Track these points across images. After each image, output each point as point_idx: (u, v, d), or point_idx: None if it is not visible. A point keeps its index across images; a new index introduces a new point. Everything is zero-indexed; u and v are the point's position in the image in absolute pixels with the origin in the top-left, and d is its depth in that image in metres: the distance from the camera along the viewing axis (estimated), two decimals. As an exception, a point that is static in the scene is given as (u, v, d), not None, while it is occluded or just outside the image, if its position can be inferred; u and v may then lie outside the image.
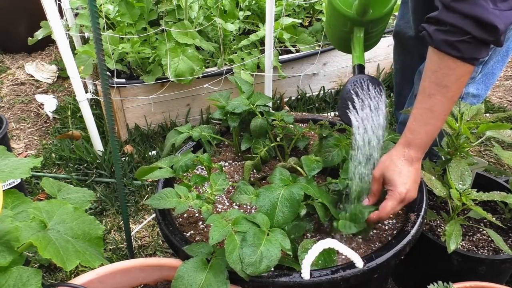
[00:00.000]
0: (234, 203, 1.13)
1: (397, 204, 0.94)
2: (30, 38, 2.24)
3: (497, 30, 0.80)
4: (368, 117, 0.99)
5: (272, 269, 0.88)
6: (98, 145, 1.87)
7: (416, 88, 1.39)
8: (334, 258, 0.93)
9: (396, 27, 1.59)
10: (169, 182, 1.15)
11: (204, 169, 1.21)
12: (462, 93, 1.27)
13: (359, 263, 0.87)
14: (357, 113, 1.00)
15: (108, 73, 1.83)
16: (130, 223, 1.61)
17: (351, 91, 1.05)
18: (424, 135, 0.94)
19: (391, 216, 1.07)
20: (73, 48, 2.07)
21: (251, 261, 0.80)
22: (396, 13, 1.65)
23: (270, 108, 1.28)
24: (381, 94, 1.02)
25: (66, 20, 2.25)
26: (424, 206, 1.05)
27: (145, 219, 1.62)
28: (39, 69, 2.77)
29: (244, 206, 1.12)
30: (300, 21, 2.23)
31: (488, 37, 0.82)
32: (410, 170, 0.95)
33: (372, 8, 1.11)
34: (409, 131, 0.95)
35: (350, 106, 1.01)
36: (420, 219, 1.00)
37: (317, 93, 2.33)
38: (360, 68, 1.15)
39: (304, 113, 1.46)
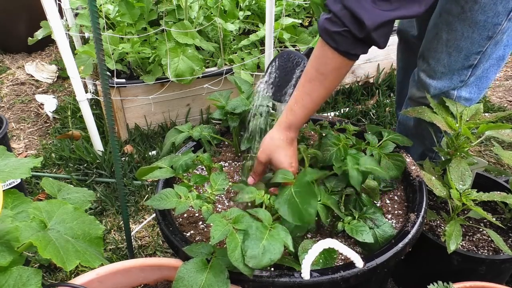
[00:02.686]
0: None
1: (260, 166, 1.04)
2: (30, 38, 2.24)
3: (365, 26, 0.81)
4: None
5: (272, 269, 0.88)
6: (98, 145, 1.87)
7: (410, 91, 1.39)
8: (335, 256, 0.93)
9: (400, 24, 1.60)
10: (169, 182, 1.15)
11: (204, 169, 1.21)
12: (454, 96, 1.27)
13: (359, 263, 0.87)
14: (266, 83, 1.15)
15: (108, 73, 1.83)
16: (130, 223, 1.61)
17: (273, 63, 1.16)
18: (303, 118, 1.00)
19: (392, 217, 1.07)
20: (73, 48, 2.07)
21: (253, 254, 0.80)
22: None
23: (270, 108, 1.28)
24: (298, 63, 1.12)
25: (66, 20, 2.25)
26: (424, 206, 1.05)
27: (145, 219, 1.62)
28: (39, 69, 2.77)
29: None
30: (300, 21, 2.23)
31: (357, 32, 0.84)
32: (292, 150, 1.02)
33: None
34: (291, 112, 1.00)
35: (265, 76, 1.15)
36: (420, 219, 1.00)
37: (317, 93, 2.33)
38: (309, 52, 1.17)
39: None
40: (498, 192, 1.09)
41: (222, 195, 1.16)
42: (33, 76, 2.73)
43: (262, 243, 0.82)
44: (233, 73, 1.96)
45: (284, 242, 0.84)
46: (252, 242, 0.82)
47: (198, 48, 1.99)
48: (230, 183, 1.19)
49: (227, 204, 1.14)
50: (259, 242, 0.82)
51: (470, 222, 1.25)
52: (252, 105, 1.21)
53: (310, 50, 1.15)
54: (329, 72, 0.92)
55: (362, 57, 2.48)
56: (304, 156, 1.12)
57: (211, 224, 0.86)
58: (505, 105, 2.37)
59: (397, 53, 1.70)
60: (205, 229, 1.07)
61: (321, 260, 0.92)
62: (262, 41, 2.04)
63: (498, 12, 1.07)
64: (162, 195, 0.94)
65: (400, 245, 0.93)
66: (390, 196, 1.17)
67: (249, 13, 2.26)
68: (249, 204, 1.09)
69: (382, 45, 0.88)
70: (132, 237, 1.43)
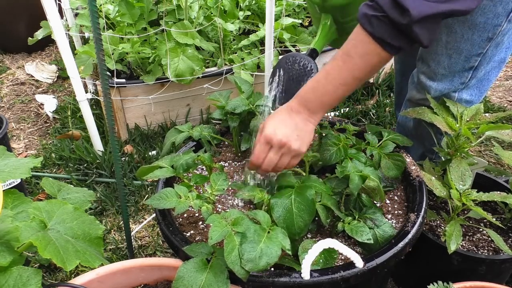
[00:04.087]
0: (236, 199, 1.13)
1: (264, 146, 0.92)
2: (30, 38, 2.24)
3: (409, 14, 0.77)
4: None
5: (272, 268, 0.88)
6: (98, 145, 1.87)
7: (409, 93, 1.39)
8: (335, 256, 0.93)
9: None
10: (169, 182, 1.15)
11: (205, 169, 1.21)
12: (455, 98, 1.26)
13: (359, 263, 0.87)
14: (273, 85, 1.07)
15: (108, 73, 1.83)
16: (130, 223, 1.61)
17: (279, 66, 1.10)
18: (311, 91, 0.92)
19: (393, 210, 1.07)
20: (73, 48, 2.07)
21: (250, 257, 0.80)
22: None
23: (270, 108, 1.28)
24: (308, 68, 1.07)
25: (66, 20, 2.25)
26: (424, 206, 1.05)
27: (145, 219, 1.62)
28: (39, 69, 2.77)
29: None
30: (300, 21, 2.23)
31: (398, 19, 0.79)
32: (285, 118, 0.93)
33: None
34: (305, 85, 0.94)
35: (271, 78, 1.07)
36: (420, 219, 1.00)
37: (317, 93, 2.33)
38: (311, 52, 1.14)
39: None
40: (498, 192, 1.09)
41: (224, 195, 1.16)
42: (33, 76, 2.73)
43: (259, 246, 0.82)
44: (233, 73, 1.96)
45: (281, 245, 0.84)
46: (249, 245, 0.82)
47: (198, 48, 1.99)
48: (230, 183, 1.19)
49: (230, 203, 1.14)
50: (257, 245, 0.82)
51: (470, 222, 1.25)
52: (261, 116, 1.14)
53: (312, 51, 1.14)
54: (356, 55, 0.86)
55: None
56: (304, 159, 1.12)
57: (211, 225, 0.86)
58: (505, 105, 2.37)
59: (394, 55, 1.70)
60: (205, 229, 1.07)
61: (321, 260, 0.92)
62: (262, 41, 2.04)
63: (498, 14, 1.07)
64: (162, 194, 0.94)
65: (400, 245, 0.93)
66: (390, 196, 1.17)
67: (249, 13, 2.26)
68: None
69: (425, 41, 0.81)
70: (132, 237, 1.43)
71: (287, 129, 0.92)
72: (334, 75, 0.89)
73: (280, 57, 1.15)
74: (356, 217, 1.00)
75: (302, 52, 1.15)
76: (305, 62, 1.09)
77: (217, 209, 1.12)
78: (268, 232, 0.86)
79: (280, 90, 1.10)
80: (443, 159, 1.29)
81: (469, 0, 0.78)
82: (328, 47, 2.19)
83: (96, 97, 1.99)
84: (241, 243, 0.82)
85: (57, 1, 1.88)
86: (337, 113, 2.25)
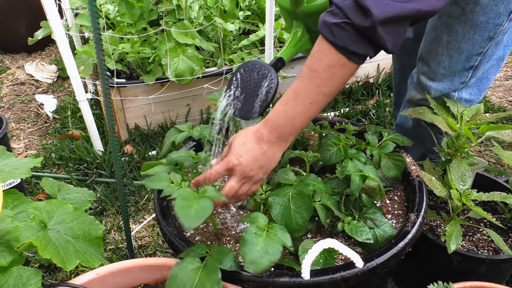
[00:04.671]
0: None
1: (223, 170, 0.89)
2: (30, 38, 2.24)
3: (371, 14, 0.71)
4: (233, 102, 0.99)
5: (272, 268, 0.88)
6: (98, 145, 1.87)
7: (409, 93, 1.38)
8: (335, 256, 0.93)
9: None
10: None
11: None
12: (455, 98, 1.26)
13: (359, 263, 0.87)
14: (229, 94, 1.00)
15: (108, 73, 1.83)
16: (130, 223, 1.61)
17: (237, 73, 1.03)
18: (282, 116, 0.86)
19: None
20: (73, 48, 2.07)
21: (252, 259, 0.80)
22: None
23: (270, 108, 1.28)
24: (265, 77, 0.99)
25: (66, 20, 2.25)
26: (424, 206, 1.05)
27: (145, 219, 1.62)
28: (39, 69, 2.77)
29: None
30: (300, 21, 2.23)
31: (361, 22, 0.73)
32: (254, 147, 0.87)
33: None
34: (273, 110, 0.88)
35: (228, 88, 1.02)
36: (420, 219, 1.00)
37: (317, 93, 2.33)
38: (276, 61, 1.07)
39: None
40: (498, 192, 1.10)
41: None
42: (33, 76, 2.73)
43: (259, 246, 0.81)
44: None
45: (282, 241, 0.84)
46: (249, 247, 0.81)
47: (198, 48, 1.99)
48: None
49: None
50: (257, 246, 0.81)
51: (470, 222, 1.25)
52: (213, 122, 1.08)
53: (278, 60, 1.08)
54: (321, 69, 0.81)
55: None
56: (305, 159, 1.12)
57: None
58: (505, 105, 2.37)
59: (393, 55, 1.70)
60: (205, 229, 1.07)
61: (321, 260, 0.92)
62: (262, 41, 2.04)
63: (499, 13, 1.07)
64: (157, 177, 0.94)
65: (400, 245, 0.93)
66: (390, 196, 1.17)
67: (249, 13, 2.26)
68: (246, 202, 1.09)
69: (390, 46, 0.76)
70: (132, 237, 1.43)
71: (253, 160, 0.88)
72: (302, 94, 0.84)
73: (239, 64, 1.09)
74: (356, 217, 1.00)
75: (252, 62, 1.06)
76: (265, 71, 1.01)
77: (217, 209, 1.12)
78: (267, 231, 0.86)
79: (236, 98, 1.03)
80: (443, 159, 1.29)
81: (433, 0, 0.74)
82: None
83: (96, 97, 1.99)
84: (241, 246, 0.82)
85: (57, 1, 1.88)
86: (337, 113, 2.25)
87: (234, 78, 1.02)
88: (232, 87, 1.01)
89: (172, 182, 0.93)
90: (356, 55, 0.78)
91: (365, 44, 0.77)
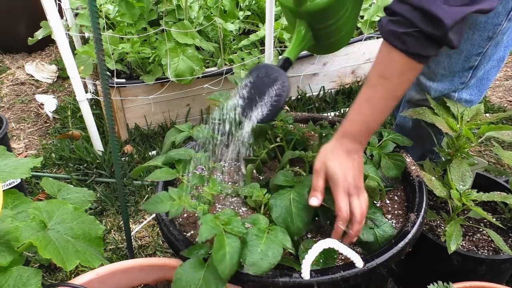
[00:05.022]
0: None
1: (345, 197, 0.89)
2: (30, 38, 2.24)
3: (443, 24, 0.76)
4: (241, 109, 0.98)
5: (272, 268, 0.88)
6: (98, 145, 1.87)
7: (408, 94, 1.38)
8: (335, 256, 0.93)
9: None
10: (169, 182, 1.15)
11: (204, 169, 1.21)
12: (455, 98, 1.26)
13: (359, 263, 0.87)
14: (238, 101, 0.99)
15: (108, 73, 1.83)
16: (130, 223, 1.61)
17: (246, 80, 1.01)
18: (360, 125, 0.91)
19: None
20: (73, 48, 2.07)
21: (253, 261, 0.80)
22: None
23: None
24: (271, 87, 0.98)
25: (66, 20, 2.25)
26: (424, 206, 1.05)
27: (145, 219, 1.62)
28: (39, 69, 2.77)
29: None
30: (300, 21, 2.23)
31: (433, 32, 0.78)
32: (348, 161, 0.90)
33: None
34: (347, 120, 0.92)
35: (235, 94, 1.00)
36: (420, 219, 1.00)
37: (317, 93, 2.33)
38: (284, 62, 1.07)
39: (304, 113, 1.46)
40: (498, 192, 1.10)
41: (227, 200, 1.15)
42: (33, 76, 2.73)
43: (260, 248, 0.82)
44: (233, 73, 1.96)
45: (282, 243, 0.84)
46: (250, 248, 0.81)
47: (198, 48, 1.99)
48: (229, 184, 1.19)
49: (232, 207, 1.14)
50: (257, 247, 0.82)
51: (470, 222, 1.25)
52: (213, 122, 1.06)
53: (285, 60, 1.08)
54: (395, 76, 0.85)
55: (362, 57, 2.48)
56: (304, 159, 1.12)
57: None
58: (505, 105, 2.37)
59: None
60: (205, 229, 1.06)
61: (321, 260, 0.92)
62: (262, 41, 2.04)
63: (498, 13, 1.07)
64: (157, 198, 0.93)
65: (400, 245, 0.93)
66: (390, 196, 1.17)
67: (249, 13, 2.26)
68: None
69: (456, 43, 0.81)
70: (132, 237, 1.43)
71: (354, 171, 0.90)
72: (376, 101, 0.88)
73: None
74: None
75: (264, 65, 1.04)
76: (276, 75, 1.01)
77: (217, 209, 1.12)
78: (268, 233, 0.86)
79: (247, 101, 1.02)
80: (443, 159, 1.29)
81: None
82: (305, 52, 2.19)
83: (96, 97, 1.99)
84: (242, 248, 0.82)
85: (57, 1, 1.88)
86: (337, 113, 2.25)
87: (245, 82, 1.01)
88: (242, 90, 1.01)
89: (174, 200, 0.93)
90: (426, 58, 0.83)
91: (434, 47, 0.82)
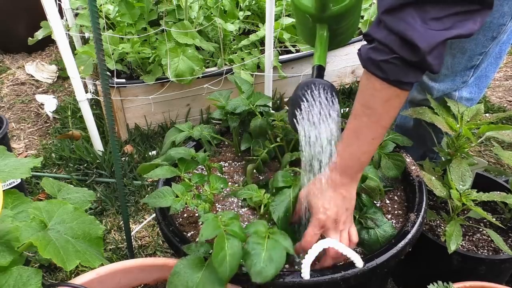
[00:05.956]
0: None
1: (316, 230, 0.88)
2: (30, 38, 2.24)
3: (418, 49, 0.72)
4: (317, 125, 0.92)
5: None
6: (98, 145, 1.87)
7: (410, 94, 1.38)
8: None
9: None
10: (169, 181, 1.15)
11: (204, 169, 1.21)
12: (455, 97, 1.26)
13: (359, 263, 0.87)
14: (304, 120, 0.93)
15: (108, 73, 1.83)
16: (130, 223, 1.61)
17: (301, 97, 0.95)
18: (347, 158, 0.87)
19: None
20: (73, 48, 2.06)
21: (258, 270, 0.79)
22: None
23: (270, 108, 1.28)
24: (333, 101, 0.94)
25: (66, 20, 2.25)
26: (424, 206, 1.05)
27: (145, 219, 1.62)
28: (39, 69, 2.77)
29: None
30: (300, 21, 2.23)
31: (410, 57, 0.74)
32: (333, 195, 0.88)
33: (331, 2, 1.04)
34: (337, 154, 0.88)
35: (298, 113, 0.94)
36: (420, 219, 1.00)
37: (317, 93, 2.33)
38: (319, 70, 1.07)
39: (304, 113, 1.46)
40: (498, 192, 1.10)
41: (228, 200, 1.15)
42: (33, 76, 2.73)
43: (263, 255, 0.80)
44: (233, 73, 1.96)
45: (285, 248, 0.83)
46: (252, 258, 0.80)
47: (198, 48, 1.99)
48: (229, 184, 1.19)
49: (232, 207, 1.14)
50: (260, 255, 0.80)
51: (470, 222, 1.25)
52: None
53: (319, 68, 1.07)
54: (378, 105, 0.81)
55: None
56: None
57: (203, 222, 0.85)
58: (505, 105, 2.37)
59: None
60: (205, 229, 1.06)
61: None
62: (262, 41, 2.04)
63: (504, 13, 1.07)
64: (159, 193, 0.93)
65: (400, 245, 0.93)
66: (390, 196, 1.17)
67: (249, 13, 2.26)
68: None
69: (436, 68, 0.77)
70: (132, 237, 1.44)
71: (337, 206, 0.88)
72: (364, 133, 0.85)
73: (294, 96, 0.98)
74: (357, 217, 1.00)
75: (308, 79, 1.01)
76: (327, 89, 0.98)
77: (217, 209, 1.12)
78: (268, 237, 0.84)
79: (295, 108, 0.97)
80: (443, 159, 1.29)
81: (471, 24, 0.74)
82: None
83: (96, 97, 1.99)
84: (244, 258, 0.81)
85: (57, 1, 1.88)
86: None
87: (299, 99, 0.96)
88: (300, 108, 0.95)
89: (177, 196, 0.93)
90: (407, 84, 0.79)
91: (417, 72, 0.78)
